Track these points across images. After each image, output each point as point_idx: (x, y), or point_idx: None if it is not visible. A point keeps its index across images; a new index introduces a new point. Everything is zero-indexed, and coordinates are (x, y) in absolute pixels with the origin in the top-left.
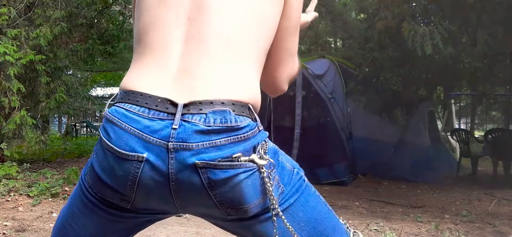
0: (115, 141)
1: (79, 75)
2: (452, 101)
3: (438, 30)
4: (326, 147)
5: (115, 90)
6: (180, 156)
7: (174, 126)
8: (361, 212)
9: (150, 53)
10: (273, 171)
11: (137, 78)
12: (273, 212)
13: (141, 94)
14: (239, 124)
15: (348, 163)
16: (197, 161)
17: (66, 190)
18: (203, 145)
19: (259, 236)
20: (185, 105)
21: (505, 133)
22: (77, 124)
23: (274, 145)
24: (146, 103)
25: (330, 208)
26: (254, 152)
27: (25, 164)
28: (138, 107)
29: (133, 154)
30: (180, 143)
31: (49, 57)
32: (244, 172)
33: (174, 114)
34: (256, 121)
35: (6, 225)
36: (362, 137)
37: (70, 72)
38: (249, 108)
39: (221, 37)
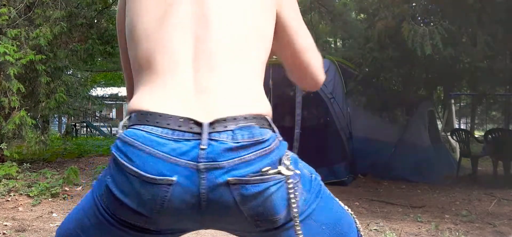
0: (140, 166)
1: (79, 75)
2: (452, 101)
3: (438, 30)
4: (326, 147)
5: (115, 90)
6: (211, 175)
7: (202, 146)
8: (361, 212)
9: (161, 76)
10: (298, 181)
11: (150, 100)
12: (299, 220)
13: (160, 115)
14: (264, 137)
15: (348, 163)
16: (229, 178)
17: (66, 190)
18: (233, 162)
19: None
20: (210, 124)
21: (505, 133)
22: (77, 124)
23: (293, 153)
24: (168, 124)
25: (340, 203)
26: (280, 164)
27: (25, 164)
28: (160, 129)
29: (162, 177)
30: (211, 163)
31: (49, 57)
32: (274, 184)
33: (199, 134)
34: (275, 132)
35: (6, 225)
36: (362, 137)
37: (70, 72)
38: (267, 120)
39: (229, 54)
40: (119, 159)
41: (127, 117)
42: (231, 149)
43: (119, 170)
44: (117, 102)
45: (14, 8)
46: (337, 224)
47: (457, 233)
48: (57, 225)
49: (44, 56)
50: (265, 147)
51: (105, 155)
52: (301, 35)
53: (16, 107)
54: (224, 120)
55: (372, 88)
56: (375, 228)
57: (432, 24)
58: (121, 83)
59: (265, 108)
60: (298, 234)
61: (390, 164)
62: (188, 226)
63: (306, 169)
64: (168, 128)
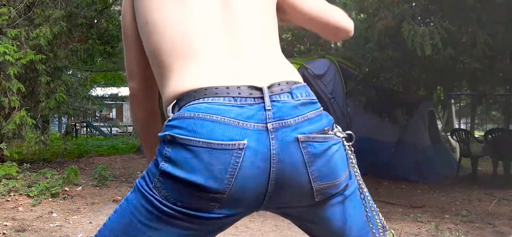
0: (208, 135)
1: (79, 75)
2: (452, 101)
3: (438, 30)
4: None
5: (115, 90)
6: (280, 134)
7: (267, 107)
8: None
9: (199, 57)
10: (350, 147)
11: (199, 79)
12: (357, 184)
13: (216, 87)
14: (314, 97)
15: None
16: (299, 135)
17: (66, 190)
18: (299, 119)
19: (337, 216)
20: (268, 88)
21: (505, 133)
22: (77, 124)
23: None
24: (228, 93)
25: None
26: (334, 127)
27: (25, 164)
28: (222, 98)
29: (233, 142)
30: (279, 121)
31: (49, 57)
32: (335, 143)
33: (261, 97)
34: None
35: (6, 225)
36: (362, 137)
37: (70, 72)
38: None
39: (257, 29)
40: (180, 136)
41: (173, 102)
42: (294, 107)
43: (180, 148)
44: (117, 102)
45: (14, 8)
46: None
47: (457, 233)
48: (57, 225)
49: (44, 56)
50: (319, 107)
51: (105, 155)
52: (312, 1)
53: (16, 107)
54: (278, 84)
55: (372, 88)
56: None
57: (432, 24)
58: (121, 83)
59: (301, 78)
60: (360, 199)
61: (390, 164)
62: (251, 204)
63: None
64: (230, 96)
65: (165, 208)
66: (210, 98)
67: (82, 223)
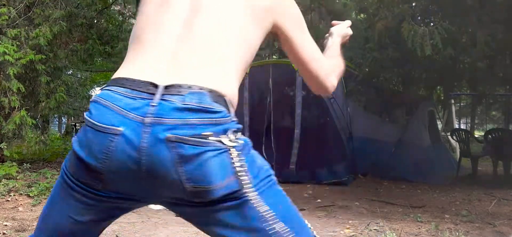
0: (96, 117)
1: (79, 75)
2: (452, 101)
3: (438, 30)
4: (326, 147)
5: None
6: (154, 130)
7: (152, 103)
8: (361, 212)
9: (142, 48)
10: (241, 155)
11: (126, 68)
12: (241, 194)
13: (127, 79)
14: (213, 107)
15: (348, 163)
16: (168, 135)
17: None
18: (177, 121)
19: (223, 224)
20: (166, 87)
21: (505, 133)
22: (77, 124)
23: (248, 139)
24: (130, 85)
25: (297, 210)
26: (224, 134)
27: (25, 164)
28: (123, 89)
29: (110, 127)
30: (156, 118)
31: (49, 57)
32: (212, 150)
33: (154, 94)
34: (230, 113)
35: (6, 225)
36: (362, 137)
37: (70, 72)
38: (225, 100)
39: (211, 41)
40: (85, 115)
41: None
42: (178, 109)
43: (82, 128)
44: None
45: (14, 8)
46: (286, 219)
47: (457, 233)
48: None
49: (44, 56)
50: (212, 117)
51: None
52: (306, 46)
53: (16, 107)
54: (179, 86)
55: (372, 88)
56: (375, 228)
57: (432, 24)
58: None
59: (227, 90)
60: (240, 211)
61: (390, 164)
62: (133, 192)
63: (259, 159)
64: (129, 88)
65: (68, 180)
66: (115, 87)
67: None
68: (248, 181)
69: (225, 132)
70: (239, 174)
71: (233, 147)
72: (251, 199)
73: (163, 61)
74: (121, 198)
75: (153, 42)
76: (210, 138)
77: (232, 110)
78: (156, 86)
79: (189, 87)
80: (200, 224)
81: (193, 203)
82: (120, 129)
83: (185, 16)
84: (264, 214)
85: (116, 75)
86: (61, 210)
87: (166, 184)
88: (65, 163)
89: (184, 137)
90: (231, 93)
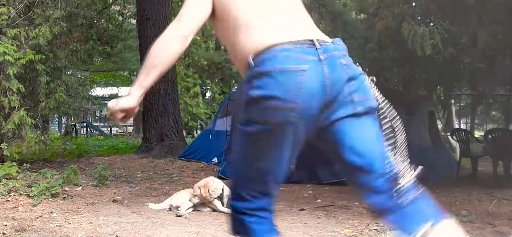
0: (283, 63)
1: (79, 75)
2: (452, 101)
3: (438, 30)
4: None
5: (115, 90)
6: (329, 61)
7: (317, 46)
8: (361, 212)
9: (268, 26)
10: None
11: (276, 37)
12: (379, 109)
13: (289, 42)
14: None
15: None
16: (341, 60)
17: (66, 190)
18: (338, 53)
19: (368, 128)
20: (317, 40)
21: (505, 133)
22: (77, 124)
23: None
24: (295, 44)
25: None
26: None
27: (25, 164)
28: (292, 45)
29: (299, 65)
30: (326, 54)
31: (48, 57)
32: (361, 74)
33: (312, 44)
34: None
35: (6, 225)
36: None
37: (70, 72)
38: None
39: (302, 12)
40: (264, 68)
41: (255, 52)
42: (335, 49)
43: (267, 77)
44: None
45: (13, 8)
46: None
47: None
48: (57, 225)
49: (43, 56)
50: (346, 52)
51: (105, 155)
52: None
53: (16, 107)
54: (321, 39)
55: None
56: (375, 228)
57: (432, 24)
58: (120, 83)
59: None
60: (382, 118)
61: None
62: (315, 111)
63: None
64: (295, 44)
65: (261, 127)
66: (278, 47)
67: (82, 223)
68: (379, 103)
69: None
70: (377, 97)
71: (365, 73)
72: (382, 115)
73: (294, 29)
74: (302, 129)
75: (272, 19)
76: (359, 68)
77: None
78: (311, 40)
79: (324, 41)
80: (342, 134)
81: (354, 113)
82: (306, 66)
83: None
84: (385, 126)
85: (265, 43)
86: (268, 158)
87: (339, 98)
88: (249, 121)
89: (348, 63)
90: None
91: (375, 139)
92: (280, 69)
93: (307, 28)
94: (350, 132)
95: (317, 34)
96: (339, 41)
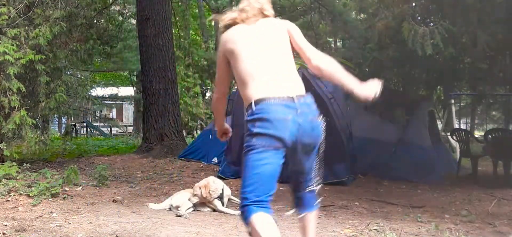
0: (276, 114)
1: (79, 75)
2: (452, 101)
3: (438, 30)
4: (326, 147)
5: (115, 90)
6: (302, 114)
7: (297, 106)
8: (361, 212)
9: (265, 82)
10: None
11: (264, 92)
12: (319, 148)
13: (276, 97)
14: (312, 102)
15: (348, 163)
16: (310, 116)
17: (66, 190)
18: (307, 109)
19: (313, 156)
20: (296, 96)
21: (505, 133)
22: (77, 124)
23: None
24: (280, 98)
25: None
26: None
27: (25, 164)
28: (278, 99)
29: (286, 116)
30: (301, 108)
31: (48, 57)
32: (319, 125)
33: (293, 100)
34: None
35: (6, 225)
36: (362, 137)
37: (70, 72)
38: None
39: (285, 67)
40: (263, 115)
41: (255, 100)
42: (305, 104)
43: (265, 121)
44: (117, 102)
45: (13, 8)
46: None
47: (457, 233)
48: (57, 225)
49: (43, 56)
50: (313, 105)
51: (105, 155)
52: (305, 46)
53: (16, 107)
54: (297, 95)
55: None
56: (375, 228)
57: (432, 24)
58: (120, 83)
59: (302, 88)
60: (315, 155)
61: (390, 164)
62: (290, 143)
63: None
64: (281, 99)
65: (266, 150)
66: (273, 100)
67: (82, 223)
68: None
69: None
70: (322, 139)
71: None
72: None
73: (277, 85)
74: (286, 153)
75: (267, 77)
76: (317, 118)
77: None
78: (291, 97)
79: (301, 95)
80: (296, 163)
81: (307, 151)
82: (290, 116)
83: (270, 58)
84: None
85: (262, 95)
86: (273, 171)
87: (305, 139)
88: (252, 146)
89: (313, 117)
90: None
91: (313, 160)
92: (274, 117)
93: (290, 86)
94: (304, 156)
95: (297, 91)
96: (309, 98)
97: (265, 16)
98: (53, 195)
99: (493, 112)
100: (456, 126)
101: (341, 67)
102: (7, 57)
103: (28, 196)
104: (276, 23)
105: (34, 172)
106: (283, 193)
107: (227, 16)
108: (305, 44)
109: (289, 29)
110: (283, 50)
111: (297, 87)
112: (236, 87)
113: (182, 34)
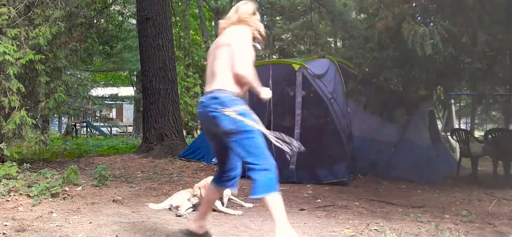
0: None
1: (78, 75)
2: (452, 101)
3: (438, 30)
4: (326, 147)
5: (115, 90)
6: (210, 104)
7: (204, 98)
8: (361, 212)
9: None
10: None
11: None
12: (234, 133)
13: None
14: (220, 96)
15: (348, 163)
16: (208, 108)
17: (66, 190)
18: (211, 102)
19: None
20: (209, 92)
21: (505, 133)
22: (77, 124)
23: (247, 110)
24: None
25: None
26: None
27: (25, 164)
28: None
29: (198, 111)
30: (206, 102)
31: (48, 57)
32: (218, 113)
33: (206, 95)
34: (233, 93)
35: (6, 225)
36: (363, 137)
37: (70, 72)
38: (225, 91)
39: (219, 72)
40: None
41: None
42: (211, 98)
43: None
44: (117, 102)
45: (13, 8)
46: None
47: (457, 233)
48: (57, 225)
49: (43, 56)
50: (218, 98)
51: (105, 155)
52: (236, 55)
53: (16, 107)
54: (210, 91)
55: (372, 88)
56: (375, 228)
57: (432, 24)
58: (120, 83)
59: (227, 86)
60: (233, 141)
61: (390, 164)
62: (211, 130)
63: (249, 119)
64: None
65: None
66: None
67: (82, 223)
68: (242, 126)
69: (225, 105)
70: (237, 123)
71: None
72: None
73: (210, 84)
74: (214, 134)
75: (208, 76)
76: (218, 109)
77: (233, 92)
78: (206, 93)
79: (211, 91)
80: (224, 147)
81: (218, 133)
82: (199, 110)
83: (212, 64)
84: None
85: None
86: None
87: (213, 125)
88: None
89: (211, 110)
90: (230, 87)
91: (236, 147)
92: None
93: (212, 85)
94: (223, 140)
95: (212, 88)
96: (216, 93)
97: (240, 22)
98: (53, 195)
99: (493, 112)
100: (456, 126)
101: (254, 76)
102: (7, 57)
103: (28, 196)
104: (229, 34)
105: (34, 172)
106: (283, 192)
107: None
108: (237, 55)
109: (231, 42)
110: (222, 57)
111: (215, 86)
112: None
113: (182, 34)
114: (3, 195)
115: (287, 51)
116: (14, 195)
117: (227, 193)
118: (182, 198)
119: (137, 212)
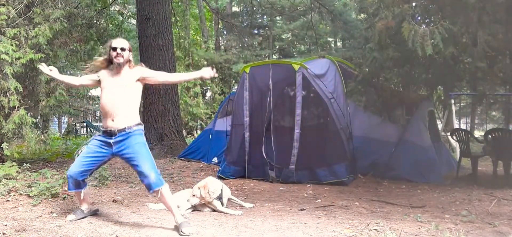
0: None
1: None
2: (452, 101)
3: (438, 30)
4: (326, 147)
5: None
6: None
7: (114, 139)
8: (361, 212)
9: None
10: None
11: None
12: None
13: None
14: (129, 132)
15: (348, 163)
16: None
17: (66, 190)
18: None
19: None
20: (118, 130)
21: (505, 133)
22: (77, 124)
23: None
24: (106, 129)
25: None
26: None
27: (25, 164)
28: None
29: (109, 140)
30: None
31: (49, 56)
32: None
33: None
34: (139, 127)
35: (6, 225)
36: (363, 137)
37: (70, 72)
38: (134, 126)
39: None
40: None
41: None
42: (120, 131)
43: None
44: None
45: (13, 8)
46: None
47: (457, 233)
48: (57, 225)
49: (43, 56)
50: (126, 132)
51: None
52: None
53: (16, 107)
54: (119, 129)
55: (372, 88)
56: (375, 228)
57: (432, 24)
58: None
59: (133, 122)
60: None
61: (390, 163)
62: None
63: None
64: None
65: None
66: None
67: (82, 223)
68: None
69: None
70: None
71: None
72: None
73: (111, 120)
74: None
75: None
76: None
77: (136, 124)
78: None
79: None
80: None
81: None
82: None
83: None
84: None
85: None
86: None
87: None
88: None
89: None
90: (135, 120)
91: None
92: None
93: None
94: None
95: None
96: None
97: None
98: (53, 195)
99: (493, 113)
100: (456, 126)
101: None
102: (5, 56)
103: (28, 196)
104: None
105: (34, 172)
106: (283, 192)
107: None
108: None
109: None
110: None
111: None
112: (235, 87)
113: (182, 34)
114: (3, 195)
115: (287, 51)
116: (14, 195)
117: (227, 193)
118: (182, 198)
119: (137, 212)
